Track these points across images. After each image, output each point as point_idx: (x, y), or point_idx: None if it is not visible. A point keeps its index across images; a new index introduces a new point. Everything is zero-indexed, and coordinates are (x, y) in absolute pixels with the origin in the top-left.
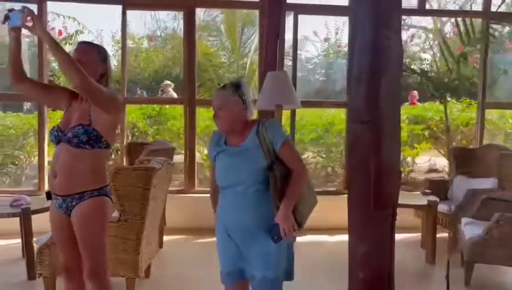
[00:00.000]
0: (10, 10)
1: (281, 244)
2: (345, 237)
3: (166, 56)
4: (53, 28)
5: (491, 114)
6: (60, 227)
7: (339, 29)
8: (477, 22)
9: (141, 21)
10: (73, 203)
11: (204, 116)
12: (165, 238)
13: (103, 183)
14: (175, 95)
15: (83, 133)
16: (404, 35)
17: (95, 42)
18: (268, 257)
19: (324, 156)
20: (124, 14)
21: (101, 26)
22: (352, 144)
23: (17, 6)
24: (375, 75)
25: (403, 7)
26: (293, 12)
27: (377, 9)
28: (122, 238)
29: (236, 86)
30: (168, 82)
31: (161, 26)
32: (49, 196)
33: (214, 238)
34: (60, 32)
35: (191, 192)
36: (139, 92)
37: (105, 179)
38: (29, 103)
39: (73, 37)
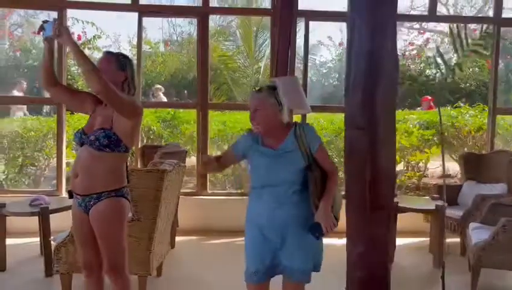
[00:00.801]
0: (45, 22)
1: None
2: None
3: (182, 60)
4: (73, 33)
5: (505, 119)
6: (79, 224)
7: None
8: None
9: (158, 26)
10: (92, 202)
11: (216, 121)
12: (177, 238)
13: (121, 184)
14: (164, 99)
15: (104, 137)
16: (420, 39)
17: (117, 51)
18: (309, 251)
19: (336, 160)
20: (140, 21)
21: (118, 31)
22: (349, 150)
23: (43, 15)
24: (371, 82)
25: (414, 13)
26: (304, 19)
27: (373, 18)
28: (135, 238)
29: (272, 88)
30: (159, 86)
31: (177, 31)
32: (70, 194)
33: (225, 240)
34: (80, 37)
35: (203, 194)
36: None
37: (123, 181)
38: (48, 106)
39: (91, 42)
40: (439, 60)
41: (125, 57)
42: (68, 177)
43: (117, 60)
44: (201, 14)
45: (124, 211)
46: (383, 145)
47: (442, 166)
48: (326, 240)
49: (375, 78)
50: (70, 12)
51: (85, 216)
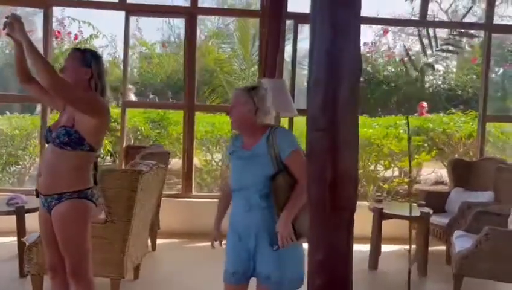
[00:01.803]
0: (7, 17)
1: (292, 246)
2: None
3: (178, 62)
4: (69, 33)
5: (502, 127)
6: (43, 225)
7: None
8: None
9: (156, 27)
10: (53, 203)
11: (205, 122)
12: (159, 241)
13: (85, 186)
14: (134, 99)
15: (64, 134)
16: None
17: (85, 48)
18: (284, 260)
19: None
20: (127, 19)
21: (114, 31)
22: (310, 152)
23: (22, 10)
24: (332, 84)
25: (402, 17)
26: (293, 21)
27: (334, 19)
28: (108, 239)
29: (250, 88)
30: (130, 86)
31: (175, 32)
32: (37, 193)
33: (208, 243)
34: (76, 37)
35: (188, 197)
36: (151, 97)
37: (87, 182)
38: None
39: (88, 41)
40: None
41: (93, 54)
42: None
43: (82, 57)
44: (189, 14)
45: (86, 214)
46: (345, 147)
47: (409, 170)
48: None
49: (336, 79)
50: (68, 12)
51: (48, 216)
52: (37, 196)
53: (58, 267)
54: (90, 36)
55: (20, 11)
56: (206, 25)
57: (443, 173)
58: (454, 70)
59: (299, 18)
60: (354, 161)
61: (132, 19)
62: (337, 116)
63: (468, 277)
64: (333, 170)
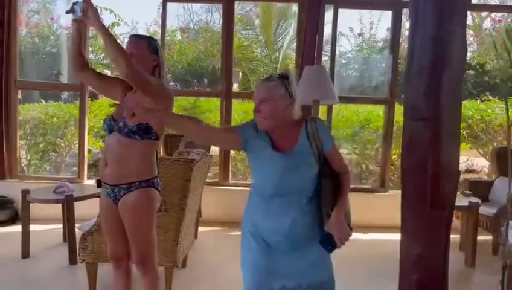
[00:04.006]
0: (75, 3)
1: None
2: (380, 236)
3: (199, 48)
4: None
5: None
6: (108, 215)
7: (373, 23)
8: None
9: (174, 13)
10: (121, 193)
11: (238, 110)
12: (200, 229)
13: (152, 175)
14: None
15: (133, 124)
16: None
17: (144, 34)
18: (323, 261)
19: (359, 153)
20: (164, 6)
21: (136, 18)
22: (409, 142)
23: (60, 1)
24: (437, 71)
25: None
26: (333, 6)
27: (439, 6)
28: (163, 228)
29: (284, 78)
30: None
31: (194, 18)
32: (99, 183)
33: None
34: None
35: (225, 184)
36: (172, 84)
37: (154, 170)
38: (66, 93)
39: (110, 29)
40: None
41: (157, 41)
42: (89, 165)
43: (148, 44)
44: (227, 0)
45: (154, 202)
46: (447, 138)
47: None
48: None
49: (441, 66)
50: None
51: (114, 206)
52: (99, 186)
53: (122, 256)
54: (112, 24)
55: None
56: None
57: (475, 161)
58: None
59: (340, 2)
60: (456, 153)
61: (154, 5)
62: (441, 105)
63: None
64: (435, 162)
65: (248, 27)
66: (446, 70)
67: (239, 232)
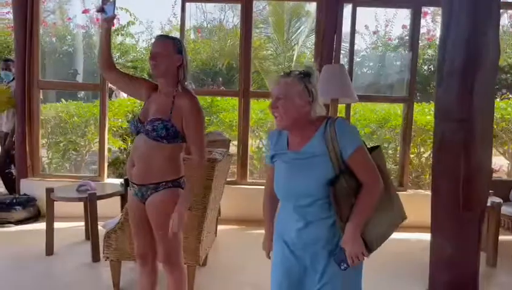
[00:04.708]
0: (104, 2)
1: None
2: (402, 235)
3: (213, 47)
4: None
5: None
6: (135, 214)
7: (389, 21)
8: None
9: (188, 12)
10: (149, 193)
11: (255, 109)
12: (219, 227)
13: (178, 175)
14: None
15: (162, 129)
16: None
17: (170, 35)
18: (344, 276)
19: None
20: (183, 6)
21: (151, 18)
22: (440, 144)
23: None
24: (470, 72)
25: None
26: (351, 5)
27: (474, 5)
28: (186, 227)
29: (304, 74)
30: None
31: (207, 17)
32: (127, 183)
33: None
34: (113, 24)
35: (243, 183)
36: (187, 83)
37: (180, 170)
38: (82, 92)
39: (125, 28)
40: None
41: (179, 41)
42: (109, 163)
43: (174, 44)
44: (245, 0)
45: None
46: (480, 139)
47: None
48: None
49: (474, 68)
50: None
51: (141, 205)
52: (126, 186)
53: (149, 255)
54: (128, 23)
55: None
56: (239, 9)
57: (494, 160)
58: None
59: (359, 1)
60: (488, 154)
61: (168, 4)
62: (473, 106)
63: None
64: (467, 164)
65: (261, 25)
66: (479, 72)
67: (257, 231)
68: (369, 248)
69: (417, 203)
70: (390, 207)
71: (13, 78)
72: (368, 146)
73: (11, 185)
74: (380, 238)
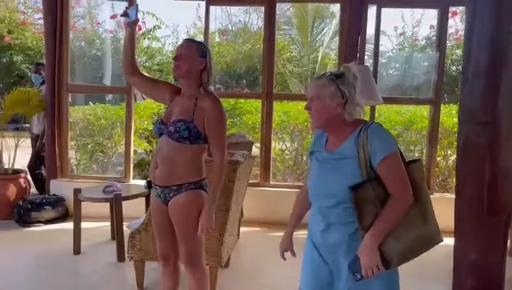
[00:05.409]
0: (128, 7)
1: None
2: None
3: (237, 50)
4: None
5: None
6: (157, 215)
7: (417, 22)
8: None
9: (212, 15)
10: (171, 194)
11: (278, 111)
12: (242, 229)
13: (200, 176)
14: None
15: (185, 130)
16: None
17: (195, 39)
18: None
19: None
20: (207, 9)
21: (177, 21)
22: (464, 146)
23: (104, 5)
24: (495, 72)
25: None
26: (376, 6)
27: (499, 3)
28: None
29: (336, 76)
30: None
31: (232, 20)
32: (149, 185)
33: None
34: (140, 28)
35: (266, 185)
36: (216, 87)
37: (203, 172)
38: (110, 95)
39: (151, 32)
40: None
41: (206, 46)
42: (135, 165)
43: (198, 47)
44: (269, 2)
45: (203, 203)
46: (505, 142)
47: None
48: None
49: (499, 68)
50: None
51: (164, 207)
52: (149, 187)
53: (171, 256)
54: (154, 27)
55: (86, 3)
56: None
57: None
58: None
59: (384, 2)
60: None
61: (193, 7)
62: (498, 108)
63: None
64: (492, 167)
65: (284, 27)
66: (504, 72)
67: (279, 233)
68: (388, 262)
69: (443, 207)
70: (421, 225)
71: (43, 82)
72: (409, 159)
73: (41, 186)
74: (403, 256)
